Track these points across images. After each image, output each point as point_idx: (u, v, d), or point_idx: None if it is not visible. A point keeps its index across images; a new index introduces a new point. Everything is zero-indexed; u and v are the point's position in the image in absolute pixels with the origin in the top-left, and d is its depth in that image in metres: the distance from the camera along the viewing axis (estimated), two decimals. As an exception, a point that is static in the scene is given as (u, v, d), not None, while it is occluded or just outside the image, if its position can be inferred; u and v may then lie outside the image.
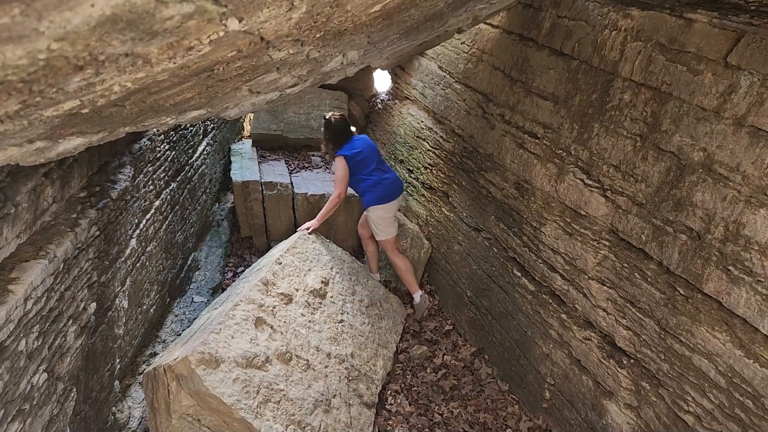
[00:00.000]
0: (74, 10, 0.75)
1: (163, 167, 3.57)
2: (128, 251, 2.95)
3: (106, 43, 0.88)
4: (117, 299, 2.85)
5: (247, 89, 1.58)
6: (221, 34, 1.09)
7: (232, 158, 6.24)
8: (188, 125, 4.26)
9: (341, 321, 4.15)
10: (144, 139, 3.13)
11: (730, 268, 2.55)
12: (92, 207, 2.32)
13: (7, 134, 0.78)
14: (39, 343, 1.90)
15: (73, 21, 0.78)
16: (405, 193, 5.93)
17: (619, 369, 3.16)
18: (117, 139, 2.80)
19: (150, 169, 3.29)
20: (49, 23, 0.76)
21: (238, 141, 7.08)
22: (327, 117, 4.97)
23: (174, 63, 1.09)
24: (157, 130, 3.37)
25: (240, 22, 1.09)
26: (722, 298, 2.59)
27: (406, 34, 2.18)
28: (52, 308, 1.98)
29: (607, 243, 3.31)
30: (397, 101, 6.66)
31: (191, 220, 4.58)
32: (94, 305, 2.41)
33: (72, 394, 2.28)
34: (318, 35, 1.48)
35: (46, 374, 1.97)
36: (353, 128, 5.10)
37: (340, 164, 4.74)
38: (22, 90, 0.87)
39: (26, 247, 1.85)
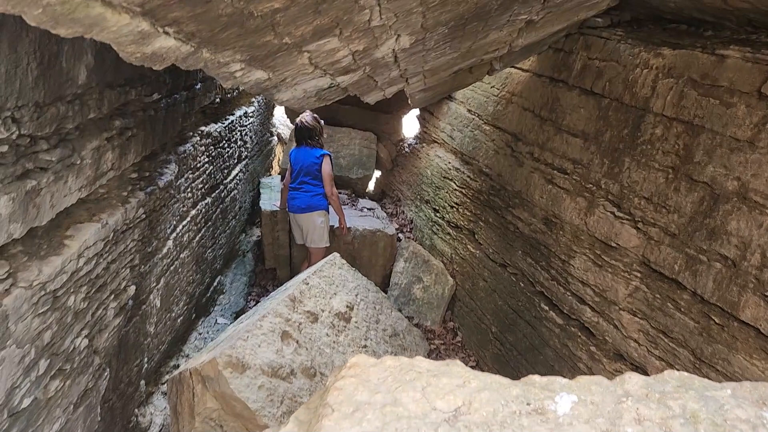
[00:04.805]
0: None
1: (201, 178, 3.68)
2: (165, 250, 3.02)
3: None
4: (151, 295, 2.89)
5: (307, 58, 1.66)
6: None
7: (261, 191, 6.37)
8: (224, 144, 4.39)
9: (365, 346, 4.11)
10: (188, 145, 3.26)
11: (768, 293, 2.52)
12: (141, 190, 2.41)
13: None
14: (84, 306, 1.93)
15: None
16: (429, 232, 5.96)
17: (651, 400, 3.07)
18: (165, 136, 2.91)
19: (190, 176, 3.41)
20: None
21: (268, 176, 7.24)
22: (298, 118, 5.24)
23: None
24: (199, 140, 3.50)
25: None
26: (760, 325, 2.55)
27: (453, 32, 2.27)
28: (98, 275, 2.03)
29: (638, 274, 3.28)
30: (424, 144, 6.80)
31: (221, 242, 4.65)
32: (133, 288, 2.45)
33: (105, 373, 2.29)
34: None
35: (87, 340, 1.99)
36: (313, 140, 5.21)
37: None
38: None
39: (81, 211, 1.92)
